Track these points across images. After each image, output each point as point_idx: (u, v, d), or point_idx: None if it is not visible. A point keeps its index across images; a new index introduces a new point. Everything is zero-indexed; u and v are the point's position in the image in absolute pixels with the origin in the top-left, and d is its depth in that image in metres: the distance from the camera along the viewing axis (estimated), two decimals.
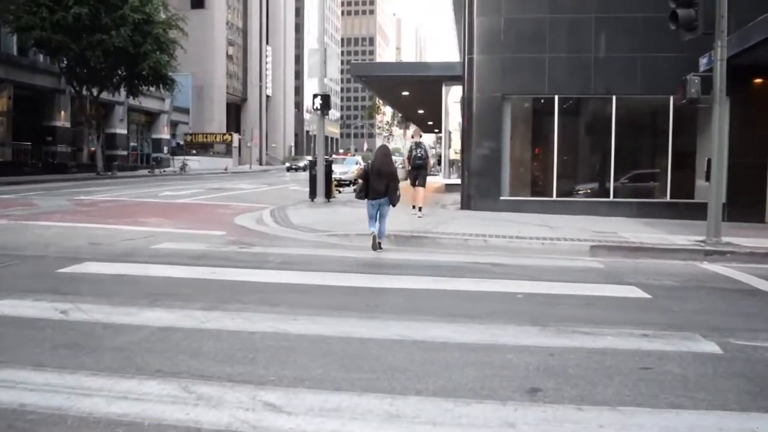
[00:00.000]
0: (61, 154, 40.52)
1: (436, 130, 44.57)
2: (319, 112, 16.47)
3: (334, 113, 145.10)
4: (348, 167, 30.62)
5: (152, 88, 41.28)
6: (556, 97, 15.45)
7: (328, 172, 17.39)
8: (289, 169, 63.72)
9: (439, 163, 41.63)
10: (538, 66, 15.40)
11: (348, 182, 28.50)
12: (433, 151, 48.27)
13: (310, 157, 62.91)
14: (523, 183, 16.31)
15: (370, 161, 10.08)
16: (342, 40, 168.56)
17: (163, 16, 38.16)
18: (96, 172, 37.95)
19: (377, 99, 55.98)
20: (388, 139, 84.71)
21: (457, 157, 22.81)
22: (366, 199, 9.32)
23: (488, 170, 15.66)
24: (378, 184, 9.13)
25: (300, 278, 7.06)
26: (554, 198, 15.61)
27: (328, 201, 16.96)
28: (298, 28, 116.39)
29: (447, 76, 19.78)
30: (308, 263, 8.21)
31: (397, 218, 12.10)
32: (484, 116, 15.69)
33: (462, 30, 16.64)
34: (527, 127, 16.58)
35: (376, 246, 9.25)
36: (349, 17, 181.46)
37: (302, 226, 12.11)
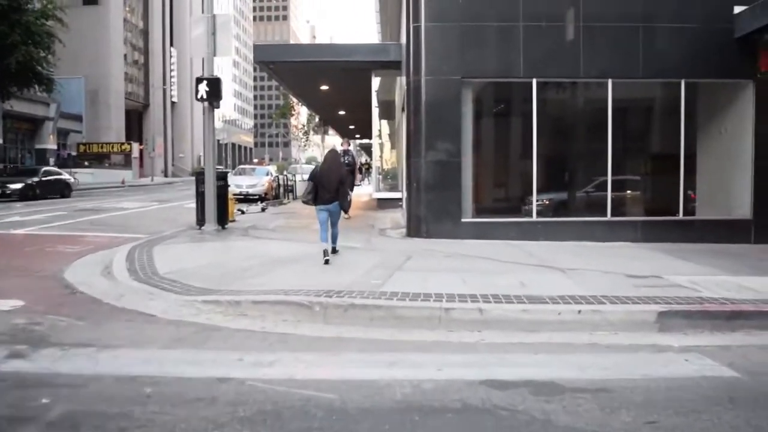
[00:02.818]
0: None
1: (358, 136, 39.88)
2: (206, 102, 11.56)
3: (248, 122, 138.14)
4: (257, 179, 25.50)
5: (27, 90, 34.62)
6: (534, 82, 11.23)
7: (223, 187, 12.49)
8: None
9: (360, 171, 36.88)
10: (509, 39, 11.16)
11: (257, 197, 23.54)
12: (362, 159, 43.99)
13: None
14: (491, 199, 12.08)
15: (318, 164, 9.75)
16: (254, 46, 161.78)
17: (37, 4, 32.00)
18: None
19: (290, 98, 50.73)
20: (305, 146, 79.25)
21: (379, 164, 18.65)
22: (315, 206, 8.77)
23: (445, 182, 11.24)
24: (327, 189, 8.63)
25: None
26: (534, 218, 11.43)
27: (223, 228, 12.11)
28: None
29: (378, 61, 15.28)
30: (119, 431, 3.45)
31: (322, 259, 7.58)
32: (438, 108, 11.30)
33: None
34: (495, 121, 12.39)
35: (329, 258, 8.27)
36: (261, 23, 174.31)
37: (169, 278, 7.36)
